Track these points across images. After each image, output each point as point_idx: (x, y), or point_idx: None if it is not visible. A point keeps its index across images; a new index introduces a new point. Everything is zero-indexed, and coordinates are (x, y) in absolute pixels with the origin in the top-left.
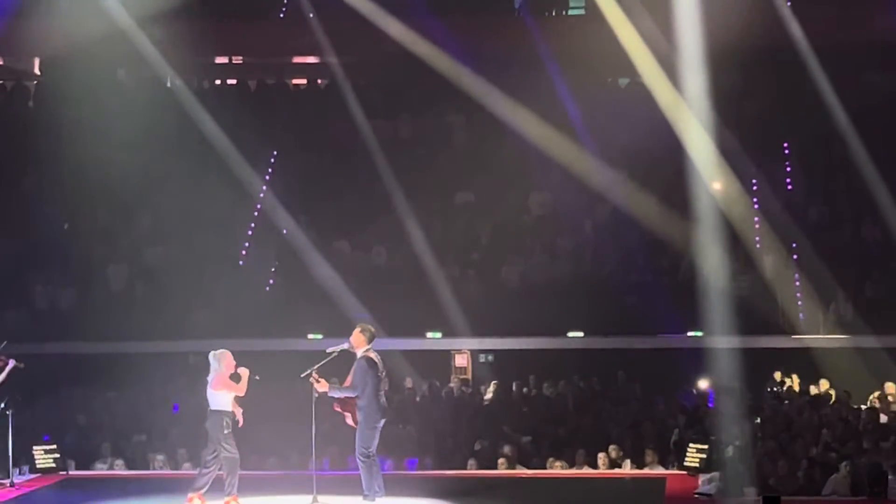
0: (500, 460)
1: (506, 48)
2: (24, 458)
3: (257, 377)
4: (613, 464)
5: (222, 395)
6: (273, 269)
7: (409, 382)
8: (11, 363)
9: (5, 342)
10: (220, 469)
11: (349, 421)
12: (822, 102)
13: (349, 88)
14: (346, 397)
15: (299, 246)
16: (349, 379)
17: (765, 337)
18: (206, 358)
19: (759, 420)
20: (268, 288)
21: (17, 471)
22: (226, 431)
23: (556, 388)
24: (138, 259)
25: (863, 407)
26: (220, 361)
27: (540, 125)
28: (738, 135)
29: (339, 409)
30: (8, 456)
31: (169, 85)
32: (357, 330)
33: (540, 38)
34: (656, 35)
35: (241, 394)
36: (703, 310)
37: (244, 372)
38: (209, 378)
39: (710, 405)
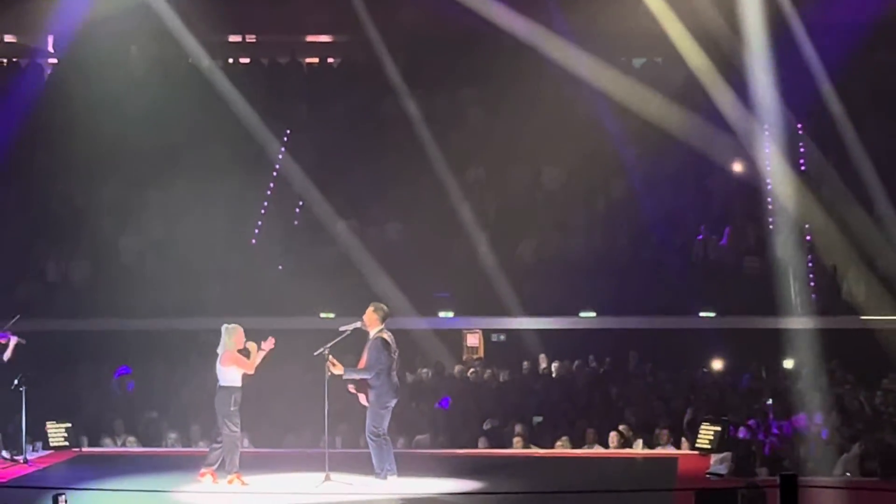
0: (515, 439)
1: (521, 23)
2: (38, 434)
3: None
4: (625, 443)
5: (231, 371)
6: (285, 247)
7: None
8: (14, 339)
9: (18, 316)
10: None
11: (363, 401)
12: (836, 82)
13: (362, 66)
14: (361, 378)
15: (312, 223)
16: (363, 359)
17: (776, 317)
18: (220, 333)
19: (770, 400)
20: (280, 266)
21: (31, 447)
22: (232, 408)
23: (567, 368)
24: (150, 237)
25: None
26: (231, 336)
27: (554, 100)
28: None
29: (353, 391)
30: (21, 433)
31: (182, 63)
32: (370, 309)
33: (557, 13)
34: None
35: (251, 371)
36: (717, 289)
37: (253, 348)
38: (219, 352)
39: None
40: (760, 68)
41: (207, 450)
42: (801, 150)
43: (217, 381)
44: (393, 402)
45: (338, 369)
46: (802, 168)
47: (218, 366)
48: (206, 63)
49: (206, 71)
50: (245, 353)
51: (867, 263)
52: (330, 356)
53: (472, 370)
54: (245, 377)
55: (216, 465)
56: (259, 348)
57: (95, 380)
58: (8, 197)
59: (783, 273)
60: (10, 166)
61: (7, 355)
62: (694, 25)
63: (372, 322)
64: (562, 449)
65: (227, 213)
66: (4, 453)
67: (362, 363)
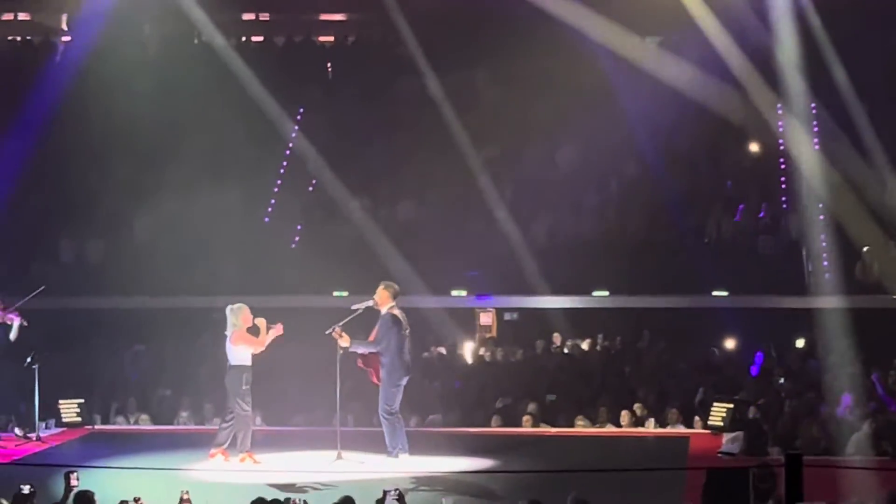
0: (525, 418)
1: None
2: (51, 412)
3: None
4: (637, 422)
5: (241, 350)
6: (299, 226)
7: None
8: (17, 320)
9: (43, 287)
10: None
11: (373, 378)
12: (847, 61)
13: (376, 45)
14: (371, 353)
15: (325, 202)
16: (373, 334)
17: (791, 297)
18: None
19: (782, 380)
20: (293, 244)
21: (44, 425)
22: (244, 387)
23: (580, 347)
24: (164, 215)
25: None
26: (238, 316)
27: (569, 80)
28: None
29: (362, 366)
30: (34, 410)
31: (196, 41)
32: (381, 287)
33: None
34: None
35: (262, 348)
36: (730, 269)
37: (262, 323)
38: (227, 333)
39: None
40: (777, 46)
41: (217, 428)
42: (815, 128)
43: (227, 361)
44: (405, 380)
45: (344, 341)
46: (816, 147)
47: (228, 345)
48: (219, 41)
49: (220, 49)
50: (254, 330)
51: (882, 242)
52: (337, 327)
53: (483, 350)
54: (256, 356)
55: (226, 444)
56: (268, 328)
57: (109, 358)
58: (22, 175)
59: (797, 252)
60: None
61: (13, 335)
62: (707, 4)
63: (384, 300)
64: (575, 428)
65: (240, 191)
66: (17, 431)
67: (372, 338)
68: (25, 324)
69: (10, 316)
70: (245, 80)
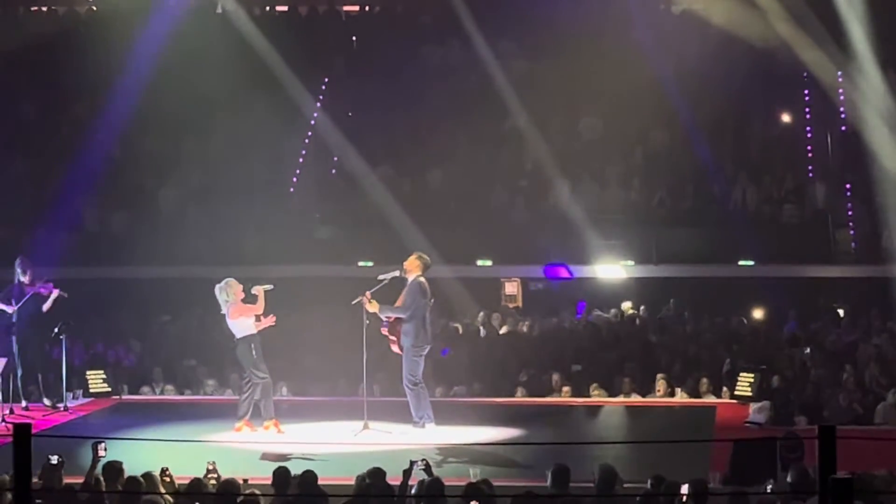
0: (564, 388)
1: None
2: (78, 382)
3: (270, 286)
4: (665, 393)
5: (242, 322)
6: (324, 196)
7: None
8: (56, 292)
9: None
10: (256, 394)
11: (395, 347)
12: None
13: (401, 15)
14: (397, 318)
15: (350, 173)
16: (399, 300)
17: (815, 266)
18: (255, 284)
19: (808, 349)
20: (318, 214)
21: (71, 395)
22: (255, 356)
23: (604, 317)
24: (189, 184)
25: None
26: (228, 292)
27: (593, 50)
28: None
29: (386, 333)
30: (62, 380)
31: (219, 10)
32: (413, 256)
33: None
34: None
35: (260, 311)
36: (755, 238)
37: (258, 290)
38: (224, 311)
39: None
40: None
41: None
42: (842, 97)
43: (234, 336)
44: (427, 349)
45: (373, 307)
46: (843, 116)
47: (228, 322)
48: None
49: (235, 19)
50: (252, 299)
51: None
52: (367, 293)
53: (505, 326)
54: (263, 329)
55: (248, 415)
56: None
57: (136, 328)
58: (47, 148)
59: (823, 221)
60: (48, 119)
61: (47, 306)
62: None
63: (413, 268)
64: (597, 398)
65: (265, 161)
66: (46, 401)
67: (399, 303)
68: (65, 295)
69: (48, 288)
70: (270, 51)
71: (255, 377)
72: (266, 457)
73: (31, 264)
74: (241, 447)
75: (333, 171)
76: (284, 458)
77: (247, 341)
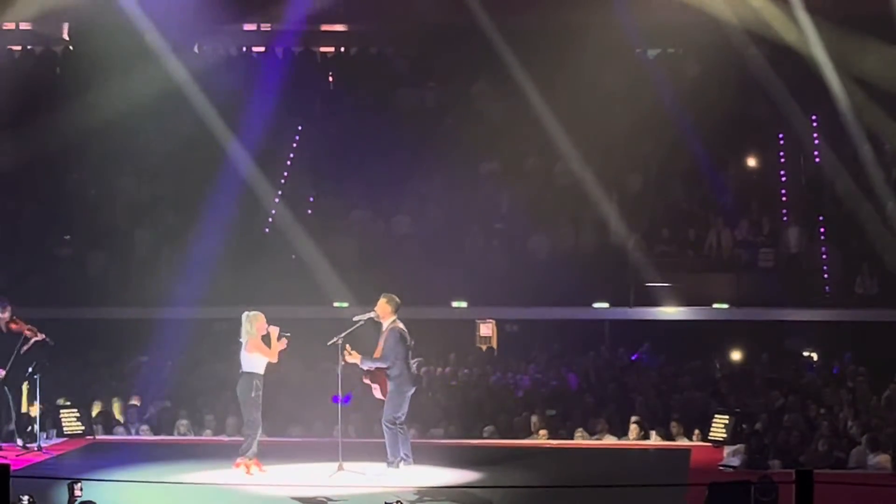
0: (541, 432)
1: (535, 18)
2: (52, 422)
3: (287, 334)
4: (639, 435)
5: (255, 358)
6: (298, 238)
7: None
8: (41, 336)
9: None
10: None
11: (377, 393)
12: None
13: (376, 57)
14: (377, 368)
15: (325, 214)
16: (379, 349)
17: (789, 310)
18: (231, 325)
19: (782, 393)
20: (293, 255)
21: (45, 435)
22: (254, 394)
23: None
24: (163, 225)
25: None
26: (253, 324)
27: (567, 96)
28: (767, 106)
29: (367, 381)
30: (35, 420)
31: (196, 51)
32: (383, 300)
33: (571, 9)
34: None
35: (274, 360)
36: (728, 282)
37: (274, 331)
38: (242, 340)
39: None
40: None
41: (226, 439)
42: (816, 142)
43: (241, 367)
44: (412, 391)
45: (354, 358)
46: (816, 161)
47: (243, 353)
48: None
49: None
50: (268, 339)
51: (879, 257)
52: (346, 346)
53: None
54: (268, 366)
55: (250, 452)
56: (279, 336)
57: (110, 369)
58: (22, 185)
59: (797, 265)
60: (24, 155)
61: (25, 348)
62: (707, 19)
63: (385, 313)
64: (575, 440)
65: (240, 202)
66: (19, 441)
67: (378, 353)
68: (51, 342)
69: (34, 332)
70: (246, 91)
71: (247, 414)
72: (241, 499)
73: (8, 301)
74: (215, 488)
75: (309, 211)
76: (259, 499)
77: (251, 377)
